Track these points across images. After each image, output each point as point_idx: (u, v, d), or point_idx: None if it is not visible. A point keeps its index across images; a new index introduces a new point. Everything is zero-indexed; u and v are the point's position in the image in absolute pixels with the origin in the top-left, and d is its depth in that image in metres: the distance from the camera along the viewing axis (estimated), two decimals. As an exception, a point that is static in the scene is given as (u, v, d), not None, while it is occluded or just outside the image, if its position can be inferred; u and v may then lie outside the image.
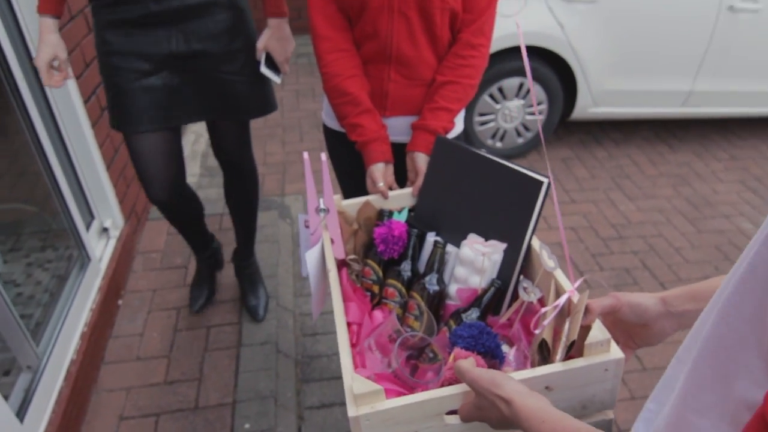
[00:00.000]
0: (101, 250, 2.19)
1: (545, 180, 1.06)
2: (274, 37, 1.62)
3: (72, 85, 1.98)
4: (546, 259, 1.01)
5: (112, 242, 2.25)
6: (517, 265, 1.09)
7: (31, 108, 1.76)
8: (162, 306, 2.16)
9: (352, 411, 0.78)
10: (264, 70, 1.64)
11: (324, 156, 1.14)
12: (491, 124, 3.20)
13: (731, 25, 2.99)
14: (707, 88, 3.23)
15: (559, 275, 0.98)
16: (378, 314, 1.16)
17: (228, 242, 2.47)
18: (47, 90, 1.91)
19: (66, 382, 1.70)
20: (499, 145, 3.27)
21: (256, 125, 3.57)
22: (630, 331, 0.86)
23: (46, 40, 1.46)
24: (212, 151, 1.92)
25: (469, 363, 0.77)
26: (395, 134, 1.39)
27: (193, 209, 1.94)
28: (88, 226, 2.12)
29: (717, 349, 0.47)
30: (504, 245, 1.09)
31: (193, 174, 3.06)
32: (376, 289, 1.20)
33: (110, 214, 2.26)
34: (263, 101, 1.74)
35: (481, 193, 1.16)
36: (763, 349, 0.41)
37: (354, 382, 0.79)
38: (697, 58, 3.09)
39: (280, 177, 3.11)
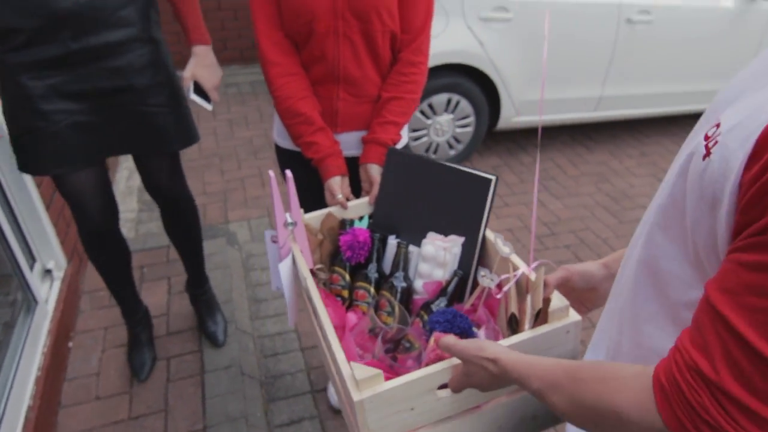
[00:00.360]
0: (46, 292, 2.12)
1: (493, 177, 1.18)
2: (201, 65, 1.65)
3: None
4: (501, 246, 1.12)
5: (57, 284, 2.18)
6: (474, 255, 1.19)
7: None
8: (116, 343, 2.11)
9: (356, 396, 0.84)
10: (194, 97, 1.65)
11: (289, 173, 1.20)
12: (424, 139, 3.36)
13: (630, 36, 3.31)
14: (615, 93, 3.54)
15: (515, 259, 1.09)
16: (352, 316, 1.23)
17: (176, 273, 2.45)
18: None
19: (25, 429, 1.64)
20: (433, 158, 3.43)
21: (192, 156, 3.56)
22: (581, 297, 0.98)
23: None
24: (145, 189, 1.89)
25: (452, 338, 0.85)
26: (347, 149, 1.48)
27: (123, 250, 1.90)
28: (30, 269, 2.05)
29: (650, 266, 0.60)
30: (462, 239, 1.20)
31: (131, 209, 3.01)
32: (345, 293, 1.27)
33: (52, 256, 2.20)
34: (187, 132, 1.74)
35: (434, 195, 1.26)
36: (690, 258, 0.53)
37: (355, 369, 0.85)
38: (603, 66, 3.39)
39: (222, 205, 3.11)
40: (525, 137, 3.92)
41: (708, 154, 0.51)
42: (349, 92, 1.43)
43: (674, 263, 0.57)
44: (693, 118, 4.06)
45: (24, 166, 1.58)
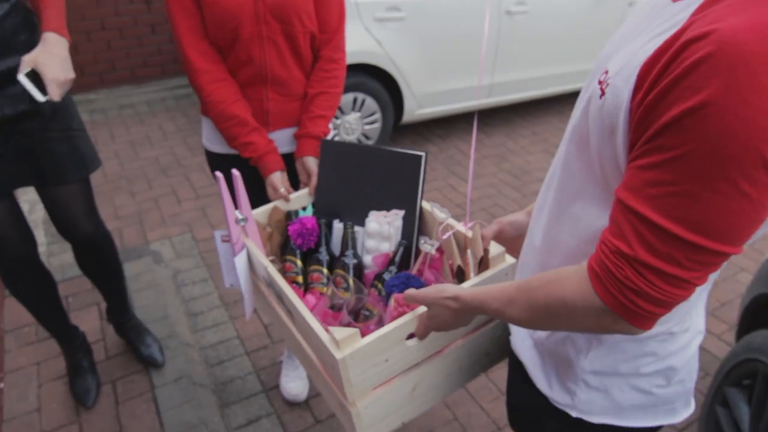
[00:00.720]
0: (-35, 336, 2.00)
1: (423, 154, 1.32)
2: (48, 52, 1.41)
3: None
4: (438, 213, 1.27)
5: (-25, 326, 2.06)
6: (415, 225, 1.33)
7: None
8: (52, 376, 2.03)
9: (337, 354, 0.94)
10: (23, 79, 1.38)
11: (236, 172, 1.26)
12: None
13: (511, 26, 3.62)
14: (504, 79, 3.85)
15: (452, 222, 1.24)
16: (310, 297, 1.31)
17: (97, 300, 2.39)
18: None
19: (-29, 474, 1.56)
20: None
21: (98, 182, 3.42)
22: (512, 244, 1.14)
23: None
24: (58, 232, 1.77)
25: (414, 291, 0.97)
26: (281, 146, 1.56)
27: (48, 278, 1.84)
28: (-55, 313, 1.93)
29: (565, 189, 0.77)
30: (402, 212, 1.33)
31: (40, 243, 2.86)
32: (300, 279, 1.36)
33: (-34, 297, 2.08)
34: (87, 158, 1.69)
35: (371, 176, 1.38)
36: (598, 179, 0.70)
37: (333, 331, 0.95)
38: (491, 55, 3.68)
39: (138, 227, 3.03)
40: (428, 128, 4.15)
41: (603, 94, 0.67)
42: (277, 92, 1.51)
43: (586, 182, 0.74)
44: (574, 96, 4.50)
45: None
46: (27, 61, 1.39)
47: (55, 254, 2.77)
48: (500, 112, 4.41)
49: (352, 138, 3.52)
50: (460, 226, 1.22)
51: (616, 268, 0.62)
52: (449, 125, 4.20)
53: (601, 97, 0.67)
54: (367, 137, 3.58)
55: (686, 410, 0.89)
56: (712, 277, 0.70)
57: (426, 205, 1.33)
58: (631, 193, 0.61)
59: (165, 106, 4.50)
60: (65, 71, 1.41)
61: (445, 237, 1.19)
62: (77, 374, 1.97)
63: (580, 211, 0.76)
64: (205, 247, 2.83)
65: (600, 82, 0.68)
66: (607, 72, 0.68)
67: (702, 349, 2.26)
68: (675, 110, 0.55)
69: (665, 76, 0.57)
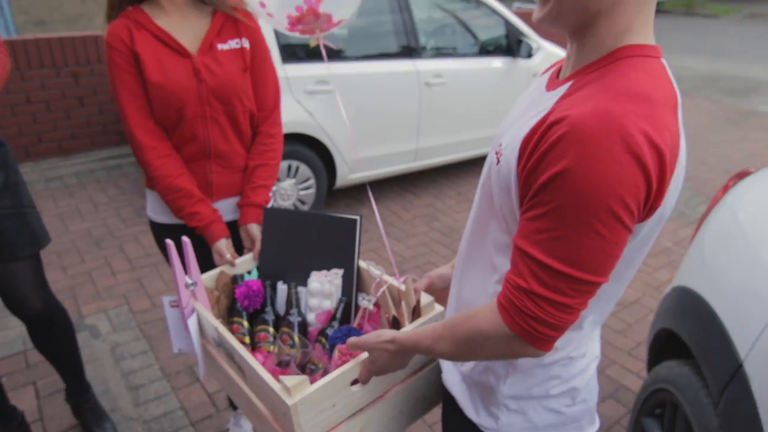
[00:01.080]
0: None
1: (357, 217, 1.48)
2: None
3: None
4: (374, 270, 1.41)
5: None
6: (353, 282, 1.46)
7: None
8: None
9: (289, 401, 1.03)
10: None
11: (186, 239, 1.36)
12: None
13: (430, 96, 3.95)
14: (428, 144, 4.14)
15: (386, 277, 1.38)
16: (258, 356, 1.40)
17: (42, 377, 2.33)
18: None
19: None
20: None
21: (25, 257, 3.34)
22: (441, 294, 1.29)
23: None
24: (8, 309, 1.76)
25: (356, 338, 1.10)
26: (224, 214, 1.67)
27: None
28: None
29: (477, 224, 0.95)
30: (341, 270, 1.46)
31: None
32: (247, 339, 1.44)
33: None
34: (37, 234, 1.72)
35: (311, 240, 1.51)
36: (502, 229, 0.88)
37: (284, 379, 1.05)
38: (414, 123, 3.98)
39: (72, 302, 2.98)
40: (360, 192, 4.35)
41: (498, 162, 0.85)
42: (220, 165, 1.64)
43: (491, 218, 0.92)
44: (492, 157, 4.85)
45: None
46: None
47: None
48: (427, 175, 4.70)
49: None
50: (393, 281, 1.36)
51: (518, 300, 0.78)
52: (381, 188, 4.42)
53: (497, 164, 0.86)
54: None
55: (592, 427, 1.05)
56: (599, 310, 0.88)
57: (363, 264, 1.47)
58: (524, 239, 0.78)
59: (95, 177, 4.48)
60: None
61: (379, 292, 1.33)
62: None
63: (488, 256, 0.93)
64: (143, 319, 2.82)
65: (497, 153, 0.87)
66: (501, 145, 0.87)
67: (622, 387, 2.48)
68: (546, 175, 0.73)
69: (538, 148, 0.75)
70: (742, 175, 1.92)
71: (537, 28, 4.74)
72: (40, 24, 4.57)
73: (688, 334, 1.73)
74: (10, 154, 1.65)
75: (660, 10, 16.39)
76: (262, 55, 1.61)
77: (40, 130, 4.66)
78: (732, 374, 1.48)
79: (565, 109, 0.74)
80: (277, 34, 3.36)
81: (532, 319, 0.77)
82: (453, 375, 1.08)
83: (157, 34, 1.48)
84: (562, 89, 0.83)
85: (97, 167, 4.68)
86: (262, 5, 1.49)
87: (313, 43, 1.56)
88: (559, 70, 0.91)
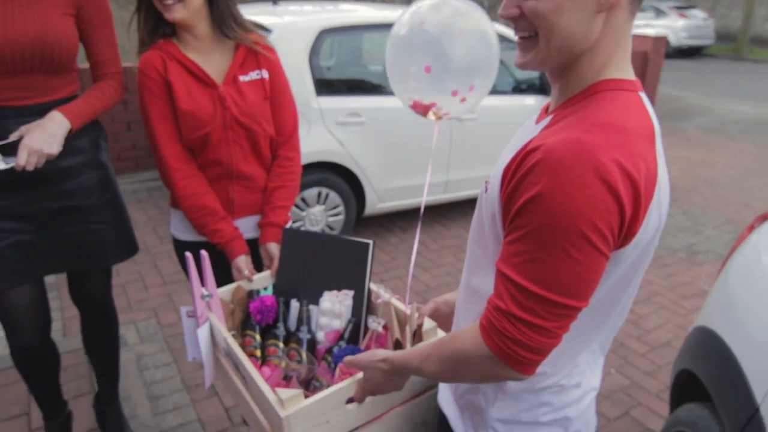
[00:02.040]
0: None
1: (370, 242, 1.52)
2: (40, 125, 1.48)
3: None
4: (383, 293, 1.44)
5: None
6: (363, 304, 1.50)
7: None
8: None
9: (282, 413, 1.07)
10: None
11: (204, 252, 1.43)
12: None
13: (462, 131, 4.00)
14: (458, 177, 4.17)
15: (395, 302, 1.41)
16: (266, 369, 1.44)
17: (67, 380, 2.42)
18: None
19: None
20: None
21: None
22: (447, 320, 1.32)
23: None
24: (71, 297, 1.94)
25: (352, 356, 1.12)
26: (245, 232, 1.74)
27: (55, 359, 1.92)
28: None
29: (471, 268, 0.98)
30: (352, 292, 1.50)
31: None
32: (258, 353, 1.49)
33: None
34: (127, 245, 1.87)
35: (326, 261, 1.56)
36: (489, 256, 0.91)
37: (279, 392, 1.09)
38: (445, 155, 4.02)
39: (104, 313, 3.10)
40: (390, 221, 4.40)
41: (486, 190, 0.89)
42: (241, 185, 1.72)
43: (479, 258, 0.94)
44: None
45: None
46: (21, 129, 1.47)
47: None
48: (457, 207, 4.71)
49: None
50: (400, 305, 1.39)
51: (497, 321, 0.80)
52: (410, 218, 4.46)
53: (486, 192, 0.89)
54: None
55: None
56: (597, 339, 0.89)
57: (373, 287, 1.50)
58: (504, 262, 0.81)
59: (137, 197, 4.68)
60: (45, 144, 1.44)
61: (379, 300, 1.37)
62: None
63: (478, 284, 0.96)
64: (170, 332, 2.91)
65: (486, 182, 0.91)
66: (490, 175, 0.91)
67: (647, 430, 2.40)
68: (522, 199, 0.77)
69: (515, 175, 0.79)
70: (767, 216, 1.88)
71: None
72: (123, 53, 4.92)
73: (706, 376, 1.69)
74: (113, 174, 1.82)
75: (707, 55, 16.19)
76: (281, 84, 1.70)
77: (121, 148, 4.97)
78: (749, 418, 1.43)
79: (542, 138, 0.78)
80: (312, 68, 3.50)
81: (510, 341, 0.79)
82: (446, 395, 1.10)
83: (187, 65, 1.58)
84: (545, 121, 0.87)
85: (140, 188, 4.89)
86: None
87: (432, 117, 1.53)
88: (548, 105, 0.95)
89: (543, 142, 0.76)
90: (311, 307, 1.54)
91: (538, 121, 0.92)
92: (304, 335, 1.47)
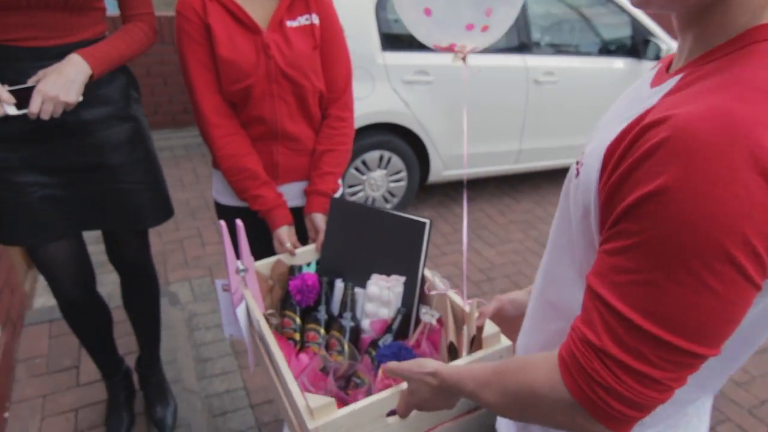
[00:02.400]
0: (-23, 364, 2.04)
1: (427, 221, 1.32)
2: (57, 69, 1.32)
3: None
4: (438, 283, 1.25)
5: (-11, 354, 2.10)
6: (415, 293, 1.31)
7: None
8: (56, 410, 2.04)
9: (311, 424, 0.91)
10: (13, 88, 1.28)
11: (240, 222, 1.28)
12: (360, 194, 3.51)
13: (539, 95, 3.66)
14: (531, 146, 3.85)
15: (452, 295, 1.22)
16: (304, 357, 1.30)
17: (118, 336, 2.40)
18: None
19: None
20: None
21: (128, 220, 3.52)
22: (512, 324, 1.11)
23: None
24: (108, 258, 1.86)
25: (395, 362, 0.95)
26: (290, 200, 1.58)
27: (102, 316, 1.87)
28: (-39, 341, 1.98)
29: (554, 255, 0.75)
30: (403, 278, 1.31)
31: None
32: (297, 336, 1.35)
33: (-16, 325, 2.13)
34: (162, 208, 1.74)
35: (376, 239, 1.38)
36: (576, 263, 0.68)
37: (309, 399, 0.93)
38: (519, 122, 3.71)
39: (161, 267, 3.08)
40: (455, 189, 4.15)
41: (578, 174, 0.66)
42: (287, 147, 1.55)
43: (563, 265, 0.72)
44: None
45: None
46: (38, 74, 1.32)
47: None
48: (530, 179, 4.39)
49: (377, 194, 3.55)
50: (458, 299, 1.20)
51: (585, 359, 0.59)
52: (477, 188, 4.20)
53: (576, 176, 0.67)
54: (392, 194, 3.61)
55: None
56: (711, 384, 0.66)
57: (428, 274, 1.31)
58: (599, 278, 0.59)
59: (201, 151, 4.66)
60: (62, 91, 1.29)
61: (433, 292, 1.18)
62: (113, 408, 1.98)
63: (556, 295, 0.74)
64: (222, 293, 2.85)
65: (578, 163, 0.68)
66: (584, 153, 0.68)
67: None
68: (636, 194, 0.54)
69: (627, 158, 0.56)
70: None
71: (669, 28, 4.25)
72: (166, 3, 4.82)
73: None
74: (146, 128, 1.68)
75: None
76: (333, 32, 1.50)
77: (157, 102, 4.93)
78: None
79: (669, 107, 0.54)
80: (379, 21, 3.25)
81: (602, 389, 0.58)
82: (508, 422, 0.90)
83: (230, 7, 1.40)
84: (669, 84, 0.62)
85: (192, 143, 4.86)
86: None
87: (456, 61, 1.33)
88: (670, 63, 0.70)
89: (671, 112, 0.53)
90: (357, 290, 1.37)
91: (654, 84, 0.68)
92: (347, 323, 1.30)
